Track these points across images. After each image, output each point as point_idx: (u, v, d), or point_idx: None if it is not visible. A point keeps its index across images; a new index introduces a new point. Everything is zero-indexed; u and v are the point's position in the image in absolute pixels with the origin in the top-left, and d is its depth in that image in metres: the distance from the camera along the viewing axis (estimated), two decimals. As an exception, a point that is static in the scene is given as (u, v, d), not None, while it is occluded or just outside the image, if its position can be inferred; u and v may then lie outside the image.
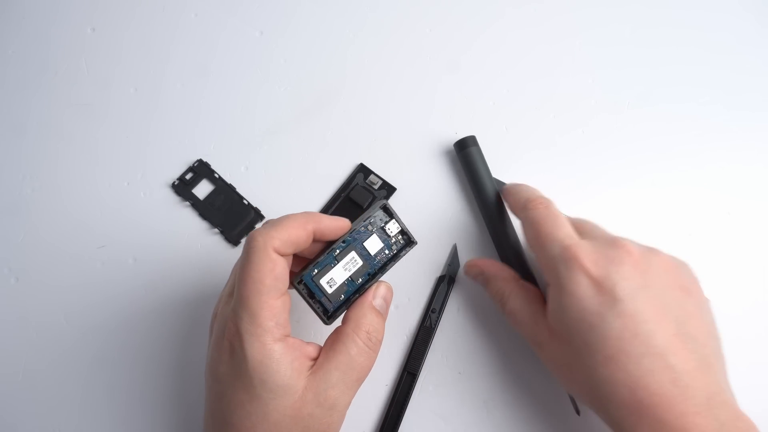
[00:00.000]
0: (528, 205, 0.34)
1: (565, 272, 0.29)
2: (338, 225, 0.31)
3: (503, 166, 0.44)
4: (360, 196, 0.43)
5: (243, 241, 0.43)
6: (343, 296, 0.32)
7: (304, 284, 0.31)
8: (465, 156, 0.42)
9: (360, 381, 0.29)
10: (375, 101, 0.47)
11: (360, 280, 0.32)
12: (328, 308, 0.32)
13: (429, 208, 0.44)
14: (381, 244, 0.32)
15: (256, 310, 0.27)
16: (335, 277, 0.31)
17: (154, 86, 0.47)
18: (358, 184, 0.44)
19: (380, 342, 0.30)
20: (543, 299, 0.34)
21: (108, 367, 0.40)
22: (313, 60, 0.48)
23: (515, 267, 0.39)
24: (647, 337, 0.27)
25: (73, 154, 0.45)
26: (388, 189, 0.44)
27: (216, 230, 0.43)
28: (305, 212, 0.30)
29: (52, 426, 0.39)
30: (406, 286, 0.41)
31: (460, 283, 0.41)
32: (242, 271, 0.28)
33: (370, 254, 0.32)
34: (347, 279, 0.32)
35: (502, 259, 0.40)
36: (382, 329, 0.31)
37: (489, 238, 0.42)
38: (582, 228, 0.34)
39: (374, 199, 0.43)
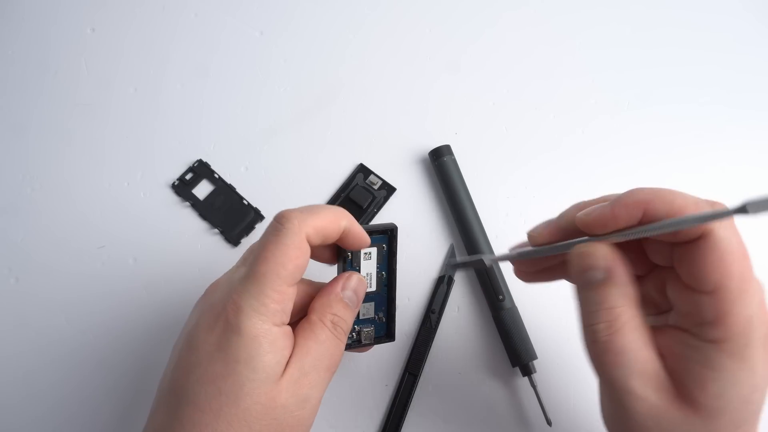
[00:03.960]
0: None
1: (758, 343, 0.22)
2: (364, 235, 0.30)
3: (503, 167, 0.44)
4: (360, 196, 0.43)
5: (243, 241, 0.43)
6: (382, 314, 0.33)
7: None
8: (439, 166, 0.43)
9: (330, 371, 0.28)
10: (375, 101, 0.46)
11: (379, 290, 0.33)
12: (380, 332, 0.34)
13: (428, 208, 0.44)
14: (374, 265, 0.32)
15: (267, 291, 0.25)
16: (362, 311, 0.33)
17: (154, 86, 0.47)
18: (358, 184, 0.44)
19: (346, 333, 0.29)
20: (652, 337, 0.24)
21: (108, 367, 0.40)
22: (313, 60, 0.48)
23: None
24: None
25: (73, 154, 0.45)
26: (388, 189, 0.44)
27: (216, 230, 0.43)
28: (338, 207, 0.29)
29: (52, 426, 0.39)
30: (406, 287, 0.41)
31: (459, 284, 0.41)
32: (265, 248, 0.26)
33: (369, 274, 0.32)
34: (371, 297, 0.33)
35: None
36: (349, 320, 0.29)
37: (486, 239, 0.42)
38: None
39: (374, 199, 0.43)
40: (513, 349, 0.38)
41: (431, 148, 0.43)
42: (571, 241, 0.25)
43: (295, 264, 0.26)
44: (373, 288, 0.32)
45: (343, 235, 0.29)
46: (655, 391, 0.23)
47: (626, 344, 0.23)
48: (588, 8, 0.49)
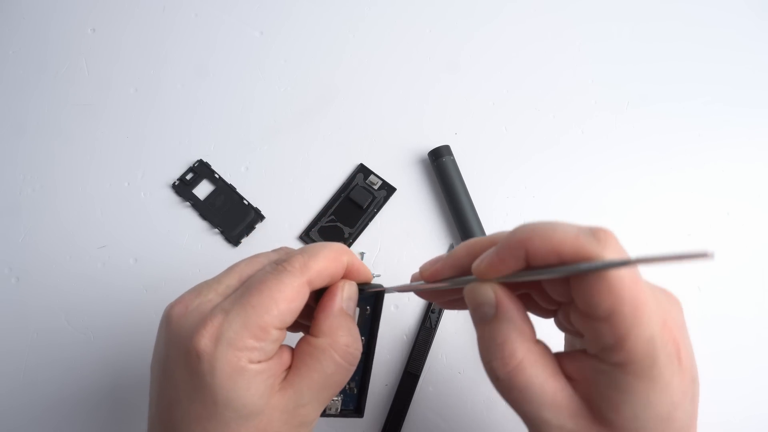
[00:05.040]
0: (600, 238, 0.21)
1: (666, 361, 0.22)
2: (367, 269, 0.28)
3: (503, 166, 0.44)
4: (360, 196, 0.43)
5: (243, 241, 0.43)
6: (354, 384, 0.30)
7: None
8: (439, 166, 0.43)
9: (333, 396, 0.27)
10: (375, 101, 0.46)
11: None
12: (349, 404, 0.30)
13: (428, 208, 0.44)
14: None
15: (250, 325, 0.24)
16: None
17: (154, 86, 0.47)
18: (358, 184, 0.44)
19: (359, 355, 0.27)
20: (558, 366, 0.24)
21: (108, 367, 0.40)
22: (313, 60, 0.48)
23: None
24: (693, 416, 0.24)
25: (74, 155, 0.45)
26: (388, 189, 0.44)
27: (216, 230, 0.43)
28: (338, 243, 0.27)
29: (52, 426, 0.39)
30: (407, 286, 0.41)
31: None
32: (261, 282, 0.25)
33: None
34: None
35: None
36: (359, 338, 0.27)
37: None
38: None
39: (374, 199, 0.43)
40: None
41: (431, 148, 0.43)
42: (462, 278, 0.25)
43: (289, 306, 0.24)
44: None
45: (347, 273, 0.28)
46: (571, 418, 0.23)
47: (528, 379, 0.23)
48: (588, 7, 0.49)
